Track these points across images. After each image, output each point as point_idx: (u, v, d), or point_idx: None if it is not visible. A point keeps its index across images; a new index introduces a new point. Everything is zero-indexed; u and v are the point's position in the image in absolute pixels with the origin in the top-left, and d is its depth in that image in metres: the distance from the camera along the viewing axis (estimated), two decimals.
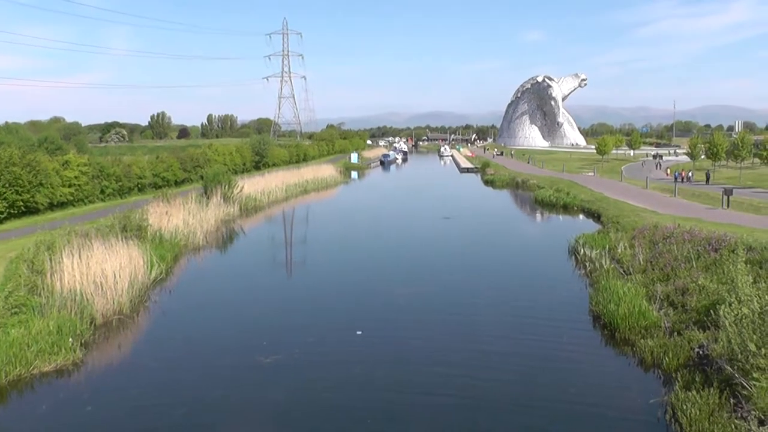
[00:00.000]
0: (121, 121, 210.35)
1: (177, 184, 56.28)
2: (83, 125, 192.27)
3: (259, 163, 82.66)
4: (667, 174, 68.68)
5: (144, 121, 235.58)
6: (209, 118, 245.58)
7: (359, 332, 19.00)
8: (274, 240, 38.63)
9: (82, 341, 17.87)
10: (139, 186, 50.85)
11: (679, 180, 62.37)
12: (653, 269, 22.97)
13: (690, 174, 66.45)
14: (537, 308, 21.44)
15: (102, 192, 46.21)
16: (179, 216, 35.23)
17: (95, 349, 18.01)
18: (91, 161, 46.13)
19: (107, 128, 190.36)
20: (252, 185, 53.91)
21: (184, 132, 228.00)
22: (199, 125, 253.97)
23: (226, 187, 45.79)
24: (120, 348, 18.43)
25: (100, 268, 21.44)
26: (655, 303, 19.42)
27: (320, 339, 18.65)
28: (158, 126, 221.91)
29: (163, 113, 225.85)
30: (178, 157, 59.84)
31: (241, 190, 47.95)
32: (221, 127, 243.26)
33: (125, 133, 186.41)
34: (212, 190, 44.89)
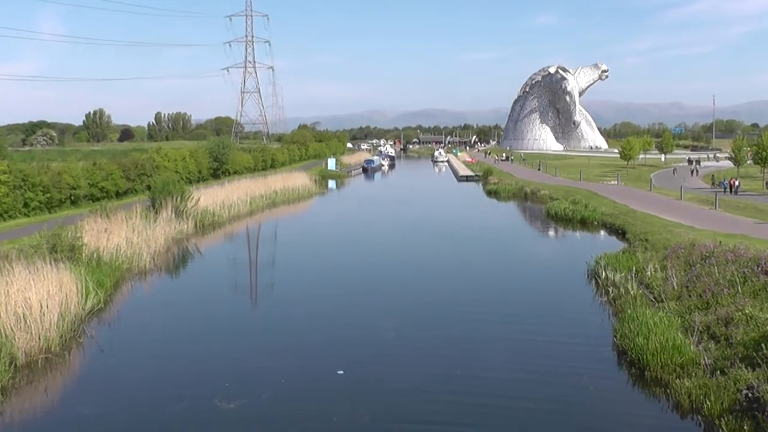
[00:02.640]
0: (50, 120, 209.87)
1: (118, 195, 55.92)
2: (2, 125, 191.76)
3: (218, 171, 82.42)
4: (713, 184, 68.99)
5: (78, 121, 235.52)
6: (157, 116, 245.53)
7: (340, 372, 18.86)
8: (237, 262, 38.42)
9: None
10: (72, 198, 50.47)
11: (726, 189, 62.61)
12: (690, 295, 23.00)
13: (736, 182, 66.72)
14: (551, 343, 21.37)
15: (26, 205, 45.77)
16: (121, 234, 34.92)
17: (15, 395, 17.71)
18: (12, 168, 45.67)
19: (32, 129, 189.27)
20: (210, 197, 53.65)
21: (127, 133, 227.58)
22: (145, 125, 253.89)
23: (179, 199, 45.49)
24: (47, 393, 18.17)
25: (22, 297, 21.15)
26: (692, 336, 19.42)
27: (294, 379, 18.48)
28: (95, 126, 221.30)
29: (101, 111, 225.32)
30: (120, 164, 59.53)
31: (196, 203, 47.69)
32: (172, 127, 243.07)
33: (54, 134, 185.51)
34: (161, 202, 44.58)
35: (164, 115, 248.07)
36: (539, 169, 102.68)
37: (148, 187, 50.59)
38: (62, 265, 25.37)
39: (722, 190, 63.05)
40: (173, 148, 79.75)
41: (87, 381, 19.13)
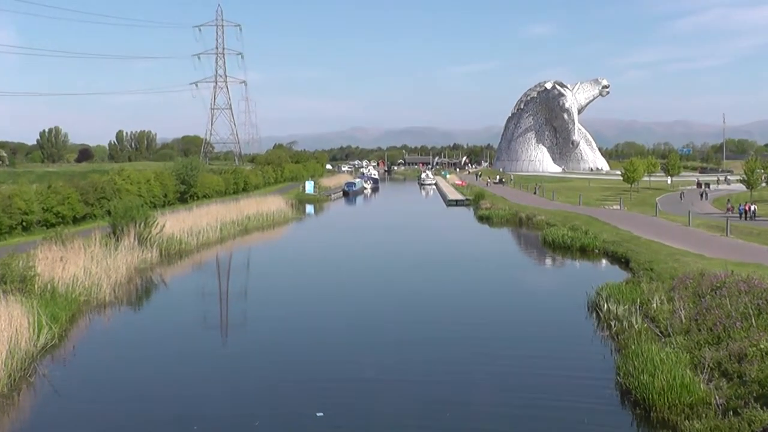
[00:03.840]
0: (0, 139, 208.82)
1: (76, 221, 55.67)
2: None
3: (186, 195, 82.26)
4: (730, 209, 69.24)
5: (31, 140, 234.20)
6: (119, 135, 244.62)
7: (320, 414, 18.76)
8: (205, 294, 38.23)
9: None
10: (24, 224, 50.19)
11: (742, 214, 62.84)
12: (699, 329, 23.06)
13: (753, 207, 67.00)
14: (548, 382, 21.36)
15: None
16: (78, 263, 34.74)
17: None
18: None
19: None
20: (176, 223, 53.50)
21: (85, 153, 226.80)
22: (105, 144, 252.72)
23: (142, 225, 45.36)
24: None
25: None
26: (702, 373, 19.46)
27: (269, 423, 18.37)
28: (50, 145, 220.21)
29: (56, 129, 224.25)
30: (78, 187, 59.29)
31: (161, 230, 47.57)
32: (135, 147, 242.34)
33: (5, 154, 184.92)
34: (123, 229, 44.45)
35: (127, 133, 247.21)
36: (535, 193, 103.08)
37: (109, 212, 50.34)
38: (12, 297, 25.22)
39: (738, 215, 63.28)
40: (136, 170, 79.55)
41: (38, 425, 18.94)
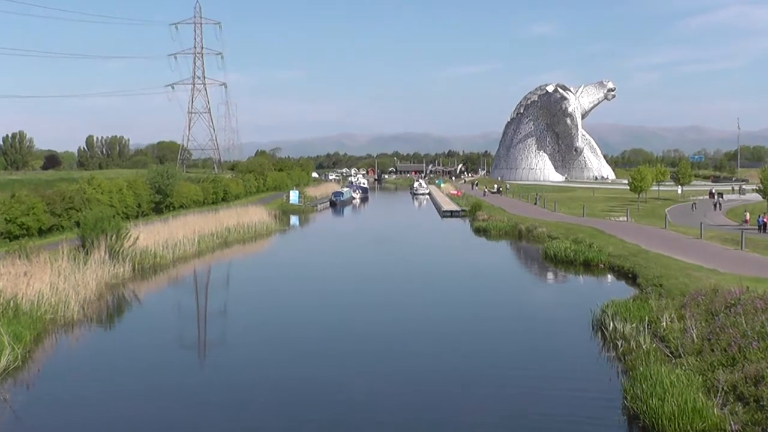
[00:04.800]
0: None
1: (41, 233, 55.49)
2: None
3: (161, 205, 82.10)
4: (746, 221, 69.24)
5: None
6: (89, 140, 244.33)
7: None
8: (181, 312, 38.16)
9: None
10: None
11: (761, 226, 62.88)
12: (712, 350, 23.06)
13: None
14: (550, 406, 21.33)
15: None
16: (44, 278, 34.59)
17: None
18: None
19: None
20: (151, 235, 53.38)
21: (52, 160, 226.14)
22: (74, 150, 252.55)
23: (114, 237, 45.24)
24: None
25: None
26: (716, 397, 19.44)
27: None
28: (14, 151, 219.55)
29: (21, 133, 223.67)
30: (44, 196, 59.11)
31: (134, 242, 47.44)
32: (107, 153, 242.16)
33: None
34: (93, 242, 44.30)
35: (97, 138, 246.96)
36: (536, 203, 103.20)
37: (78, 224, 50.22)
38: None
39: (757, 227, 63.26)
40: (108, 178, 79.39)
41: None
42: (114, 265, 43.74)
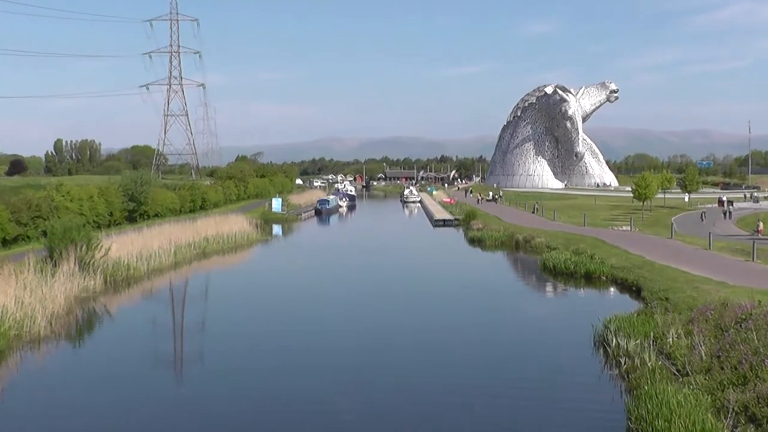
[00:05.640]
0: None
1: (5, 243, 55.28)
2: None
3: (135, 213, 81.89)
4: (759, 230, 69.37)
5: None
6: (58, 145, 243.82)
7: None
8: (157, 327, 38.05)
9: None
10: None
11: None
12: (722, 368, 23.07)
13: None
14: (550, 427, 21.35)
15: None
16: (8, 292, 34.45)
17: None
18: None
19: None
20: (124, 245, 53.26)
21: (17, 165, 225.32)
22: (41, 155, 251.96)
23: (84, 248, 45.07)
24: None
25: None
26: (726, 418, 19.46)
27: None
28: None
29: None
30: (8, 203, 58.90)
31: (106, 254, 47.31)
32: (76, 158, 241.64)
33: None
34: (62, 252, 44.10)
35: (66, 142, 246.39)
36: (534, 212, 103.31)
37: (45, 233, 49.99)
38: None
39: None
40: (77, 185, 79.23)
41: None
42: (84, 278, 43.57)
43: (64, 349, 32.70)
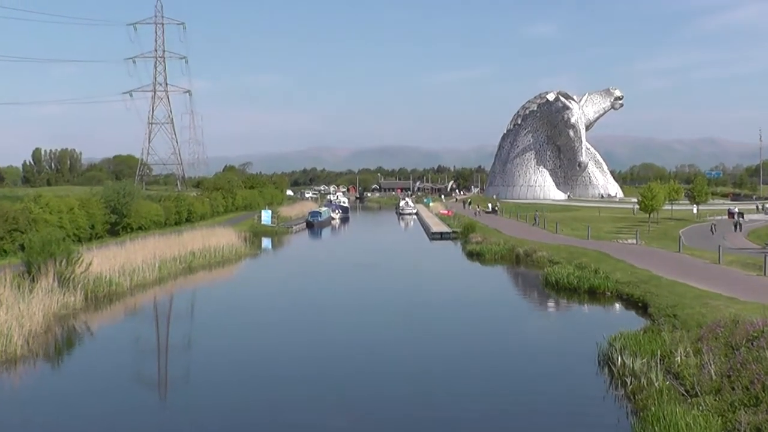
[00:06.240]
0: None
1: None
2: None
3: (118, 226, 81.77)
4: None
5: None
6: (36, 154, 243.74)
7: None
8: (140, 346, 37.95)
9: None
10: None
11: None
12: (733, 388, 23.05)
13: None
14: None
15: None
16: None
17: None
18: None
19: None
20: (106, 260, 53.18)
21: None
22: (19, 165, 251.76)
23: (64, 262, 44.99)
24: None
25: None
26: None
27: None
28: None
29: None
30: None
31: (87, 268, 47.22)
32: (56, 168, 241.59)
33: None
34: (40, 267, 44.02)
35: (45, 152, 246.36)
36: (535, 224, 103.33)
37: (22, 247, 49.92)
38: None
39: None
40: (57, 196, 79.05)
41: None
42: (64, 294, 43.46)
43: (41, 369, 32.56)
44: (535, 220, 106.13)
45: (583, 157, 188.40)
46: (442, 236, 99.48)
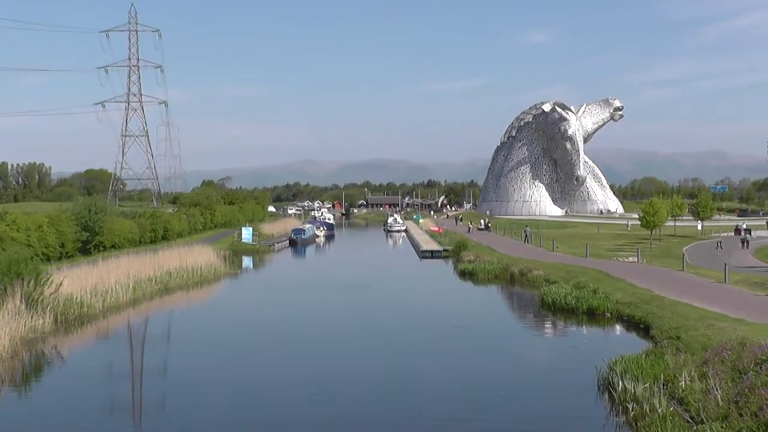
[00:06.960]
0: None
1: None
2: None
3: (89, 244, 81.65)
4: None
5: None
6: (2, 168, 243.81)
7: None
8: (113, 371, 37.81)
9: None
10: None
11: None
12: (741, 414, 23.03)
13: None
14: None
15: None
16: None
17: None
18: None
19: None
20: (77, 280, 53.05)
21: None
22: None
23: (32, 283, 44.86)
24: None
25: None
26: None
27: None
28: None
29: None
30: None
31: (57, 289, 47.07)
32: (23, 183, 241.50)
33: None
34: (6, 288, 43.90)
35: (12, 166, 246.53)
36: (526, 240, 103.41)
37: None
38: None
39: None
40: (25, 213, 78.98)
41: None
42: (32, 316, 43.34)
43: (7, 396, 32.42)
44: (526, 235, 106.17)
45: (581, 171, 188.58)
46: (432, 255, 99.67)
